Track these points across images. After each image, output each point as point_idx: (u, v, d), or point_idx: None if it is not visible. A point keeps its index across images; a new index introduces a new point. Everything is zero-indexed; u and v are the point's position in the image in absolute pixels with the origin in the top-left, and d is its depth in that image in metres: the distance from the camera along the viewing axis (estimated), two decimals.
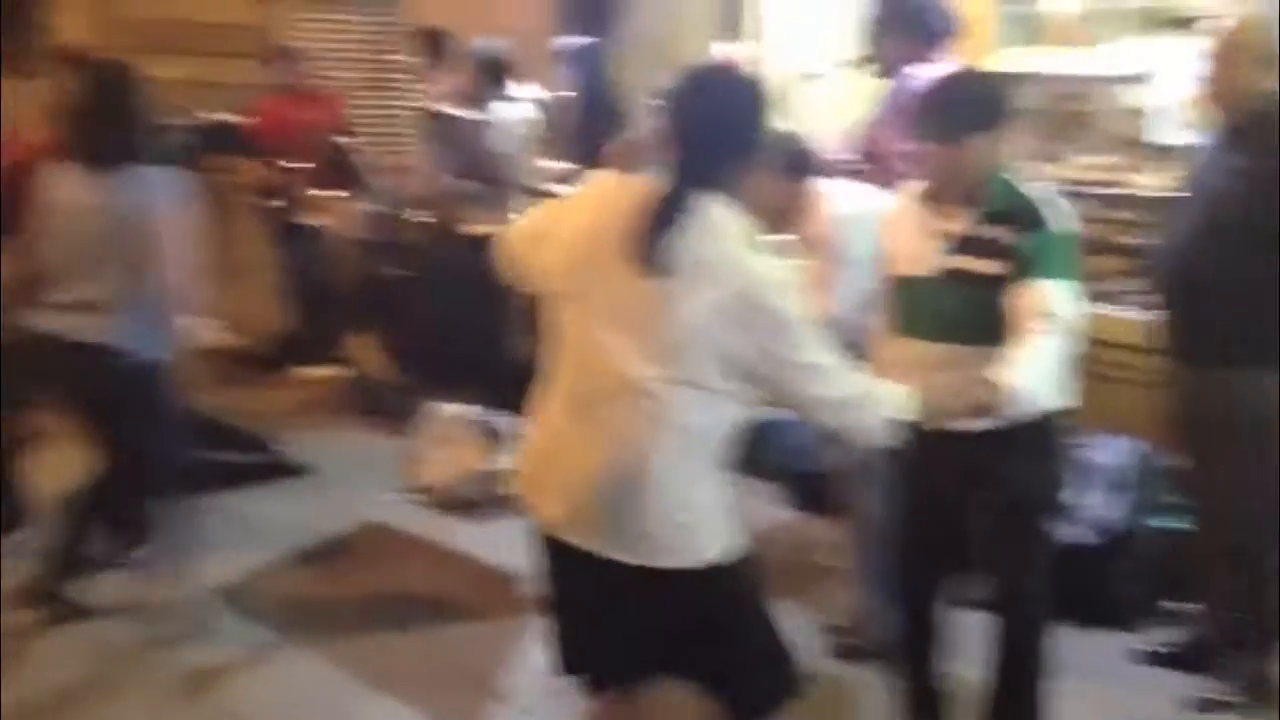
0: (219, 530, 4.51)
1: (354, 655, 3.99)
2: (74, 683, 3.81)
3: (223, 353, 7.34)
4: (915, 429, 2.47)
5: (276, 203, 7.13)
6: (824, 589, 4.22)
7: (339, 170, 6.84)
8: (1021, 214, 2.83)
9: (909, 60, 4.08)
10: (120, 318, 3.83)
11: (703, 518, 2.39)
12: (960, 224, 2.89)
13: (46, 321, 3.85)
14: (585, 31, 6.88)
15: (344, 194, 6.63)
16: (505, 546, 4.84)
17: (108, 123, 3.86)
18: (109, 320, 3.83)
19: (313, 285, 7.00)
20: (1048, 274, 2.75)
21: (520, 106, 6.21)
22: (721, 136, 2.34)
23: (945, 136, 2.85)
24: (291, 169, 6.97)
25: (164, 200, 3.86)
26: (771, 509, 5.11)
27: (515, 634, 4.11)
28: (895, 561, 3.25)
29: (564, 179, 5.84)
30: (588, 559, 2.41)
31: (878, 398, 2.42)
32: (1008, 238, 2.82)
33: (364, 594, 4.48)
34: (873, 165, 4.07)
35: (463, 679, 3.86)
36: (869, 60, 4.26)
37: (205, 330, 4.80)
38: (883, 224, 3.11)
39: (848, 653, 3.87)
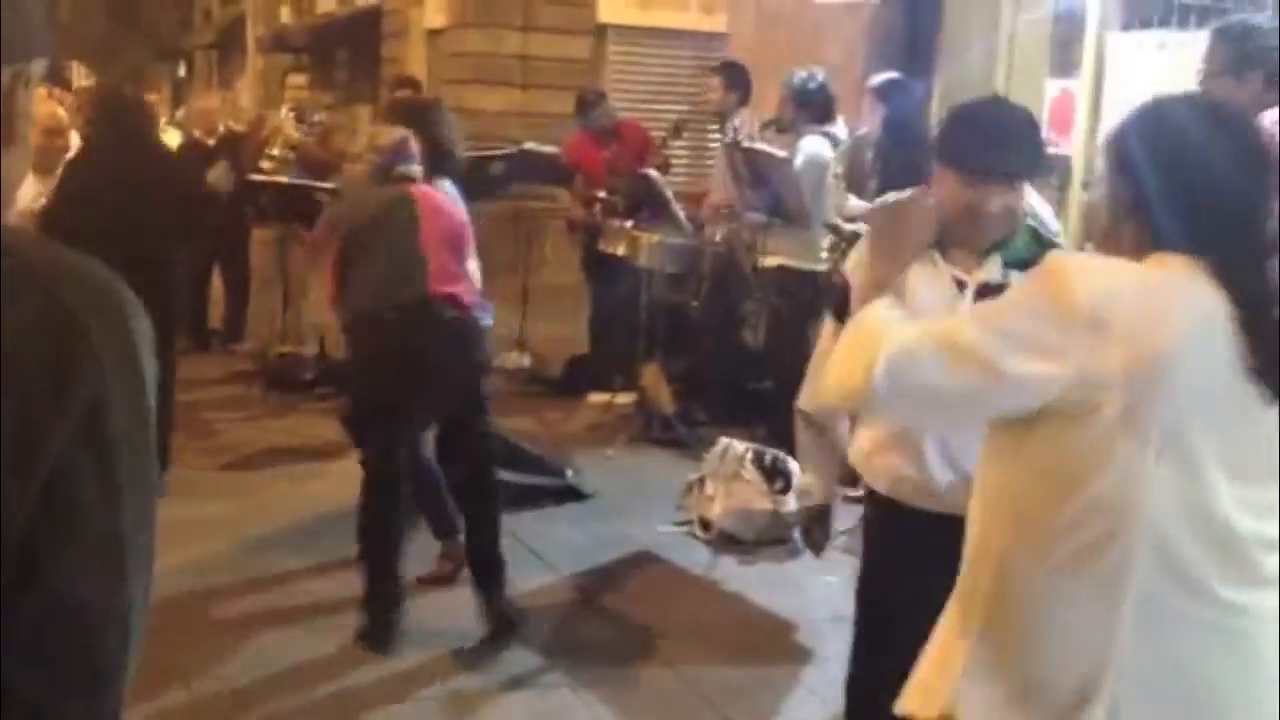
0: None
1: (614, 688, 3.94)
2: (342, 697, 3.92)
3: (519, 376, 7.61)
4: None
5: (586, 233, 7.38)
6: None
7: (649, 202, 6.91)
8: None
9: (1257, 105, 3.74)
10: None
11: None
12: (984, 273, 2.59)
13: None
14: (901, 68, 6.70)
15: (650, 225, 6.70)
16: (780, 590, 4.73)
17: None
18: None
19: (611, 313, 7.12)
20: None
21: (826, 141, 6.09)
22: (1234, 193, 1.81)
23: (1009, 175, 2.57)
24: (601, 200, 7.15)
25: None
26: None
27: (784, 683, 3.99)
28: None
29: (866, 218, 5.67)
30: None
31: None
32: None
33: (630, 626, 4.44)
34: None
35: None
36: None
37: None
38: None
39: None
